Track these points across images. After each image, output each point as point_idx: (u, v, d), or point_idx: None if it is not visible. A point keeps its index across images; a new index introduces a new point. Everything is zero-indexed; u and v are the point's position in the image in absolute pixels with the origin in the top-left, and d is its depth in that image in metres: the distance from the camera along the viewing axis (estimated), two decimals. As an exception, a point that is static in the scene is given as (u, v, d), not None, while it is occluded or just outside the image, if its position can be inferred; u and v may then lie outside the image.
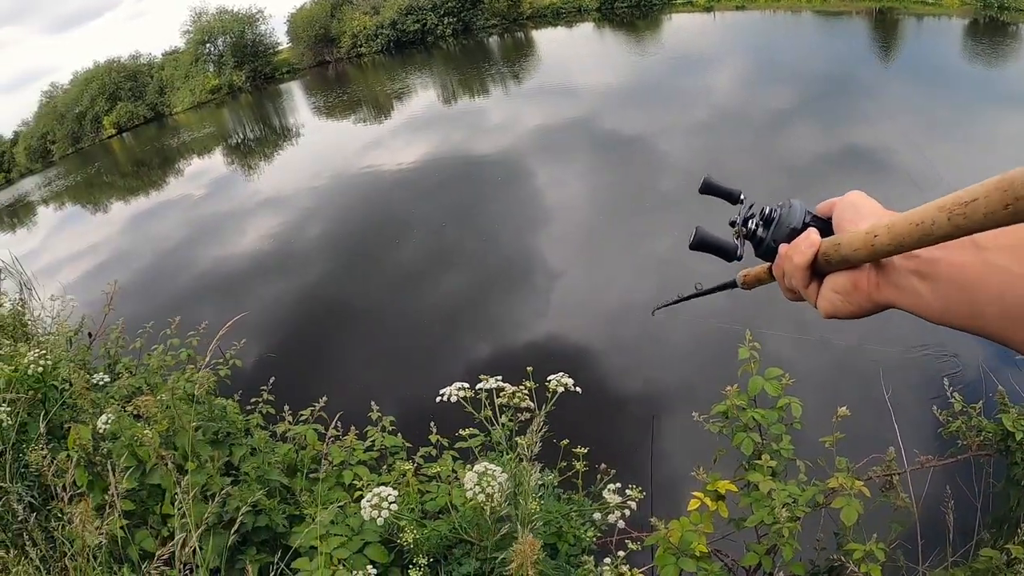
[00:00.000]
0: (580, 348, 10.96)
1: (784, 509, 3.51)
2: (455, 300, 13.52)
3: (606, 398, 9.12)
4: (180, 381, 3.89)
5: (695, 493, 3.69)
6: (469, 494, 2.72)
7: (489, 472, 2.71)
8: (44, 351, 4.21)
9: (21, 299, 8.11)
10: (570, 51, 47.95)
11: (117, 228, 27.23)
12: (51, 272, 19.26)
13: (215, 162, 36.77)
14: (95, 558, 3.05)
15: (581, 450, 3.64)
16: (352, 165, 25.85)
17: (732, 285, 1.74)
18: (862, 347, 9.89)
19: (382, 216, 19.28)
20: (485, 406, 3.25)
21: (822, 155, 18.46)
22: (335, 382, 10.59)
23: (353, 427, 4.43)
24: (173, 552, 2.90)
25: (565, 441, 3.71)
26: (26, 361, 4.06)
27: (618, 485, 3.47)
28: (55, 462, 3.49)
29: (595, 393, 8.89)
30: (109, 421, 3.63)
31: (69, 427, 3.83)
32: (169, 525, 3.41)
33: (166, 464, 3.37)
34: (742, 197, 1.54)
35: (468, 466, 3.35)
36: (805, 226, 1.22)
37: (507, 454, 3.16)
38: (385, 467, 4.23)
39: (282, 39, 68.82)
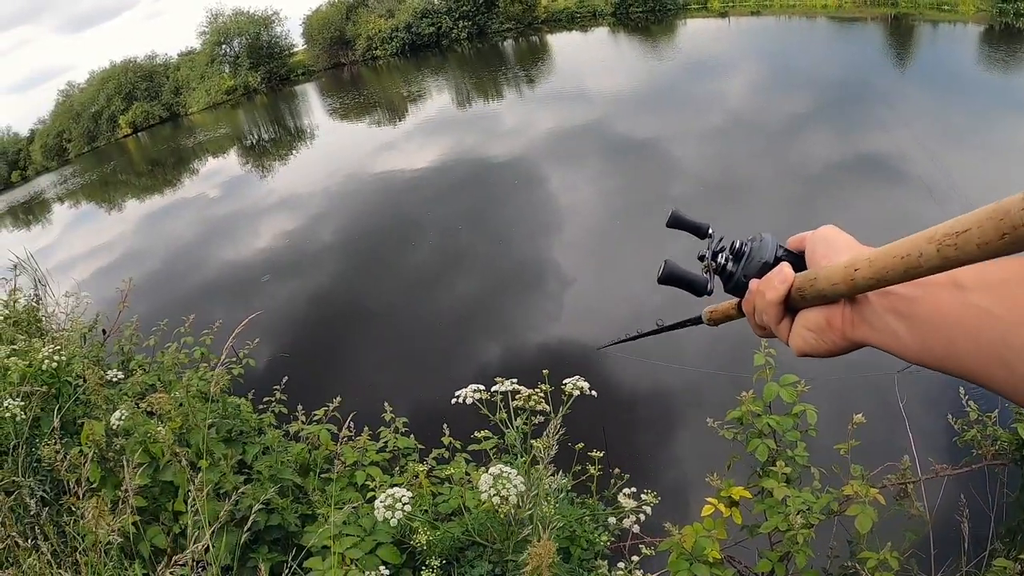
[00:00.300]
0: (593, 352, 10.94)
1: (798, 516, 3.49)
2: (468, 303, 13.53)
3: (619, 402, 9.10)
4: (194, 379, 3.89)
5: (709, 499, 3.68)
6: (484, 496, 2.71)
7: (505, 475, 2.70)
8: (58, 347, 4.22)
9: (36, 295, 8.13)
10: (584, 56, 47.96)
11: (131, 227, 27.36)
12: (66, 269, 19.36)
13: (230, 162, 36.92)
14: (107, 554, 3.05)
15: (597, 454, 3.62)
16: (366, 167, 25.91)
17: (697, 321, 1.68)
18: (876, 354, 9.81)
19: (396, 218, 19.30)
20: (500, 408, 3.24)
21: (836, 162, 18.38)
22: (348, 383, 10.59)
23: (367, 427, 4.42)
24: (185, 550, 2.90)
25: (580, 444, 3.70)
26: (40, 356, 4.08)
27: (633, 489, 3.46)
28: (68, 457, 3.49)
29: (607, 397, 8.87)
30: (123, 417, 3.63)
31: (82, 423, 3.83)
32: (181, 522, 3.41)
33: (179, 461, 3.37)
34: (711, 231, 1.50)
35: (482, 468, 3.34)
36: (777, 260, 1.19)
37: (521, 457, 3.15)
38: (397, 468, 4.23)
39: (297, 41, 69.26)
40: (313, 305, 14.50)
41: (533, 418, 3.31)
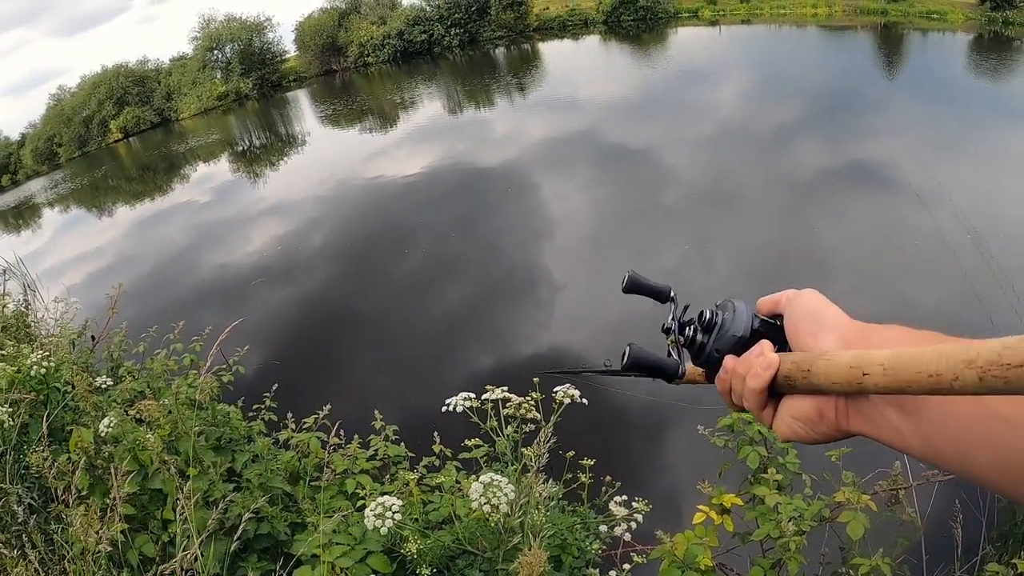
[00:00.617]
0: (584, 359, 10.93)
1: (790, 523, 3.49)
2: (460, 310, 13.52)
3: (610, 410, 9.09)
4: (183, 386, 3.87)
5: (700, 506, 3.67)
6: (474, 505, 2.70)
7: (495, 483, 2.69)
8: (47, 353, 4.20)
9: (25, 300, 8.11)
10: (576, 63, 48.09)
11: (122, 232, 27.29)
12: (55, 274, 19.28)
13: (221, 168, 36.88)
14: (95, 562, 3.03)
15: (587, 462, 3.62)
16: (358, 174, 25.90)
17: (659, 375, 1.42)
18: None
19: (387, 225, 19.29)
20: (491, 416, 3.23)
21: (827, 170, 18.46)
22: (339, 390, 10.57)
23: (357, 435, 4.41)
24: (173, 558, 2.88)
25: (571, 452, 3.69)
26: (29, 363, 4.05)
27: (624, 497, 3.45)
28: (56, 464, 3.46)
29: (598, 405, 8.87)
30: (111, 424, 3.61)
31: (71, 429, 3.81)
32: (170, 530, 3.39)
33: (168, 469, 3.35)
34: (672, 294, 1.40)
35: (473, 476, 3.33)
36: (754, 333, 1.12)
37: (512, 465, 3.14)
38: (388, 476, 4.21)
39: (289, 47, 69.22)
40: (304, 312, 14.47)
41: (524, 426, 3.30)
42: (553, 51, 55.57)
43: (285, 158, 36.09)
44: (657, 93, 32.55)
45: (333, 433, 4.03)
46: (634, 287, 1.46)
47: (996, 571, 3.84)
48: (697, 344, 1.20)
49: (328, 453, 4.03)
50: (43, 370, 4.06)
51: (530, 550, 2.36)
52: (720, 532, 3.58)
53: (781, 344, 1.09)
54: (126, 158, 54.22)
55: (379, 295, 14.70)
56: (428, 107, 39.61)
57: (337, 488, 3.93)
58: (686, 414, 8.70)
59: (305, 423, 4.41)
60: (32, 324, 6.77)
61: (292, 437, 4.31)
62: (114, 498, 3.08)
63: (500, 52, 58.30)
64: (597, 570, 3.26)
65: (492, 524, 2.82)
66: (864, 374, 0.84)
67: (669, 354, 1.27)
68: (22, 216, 41.21)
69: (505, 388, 3.34)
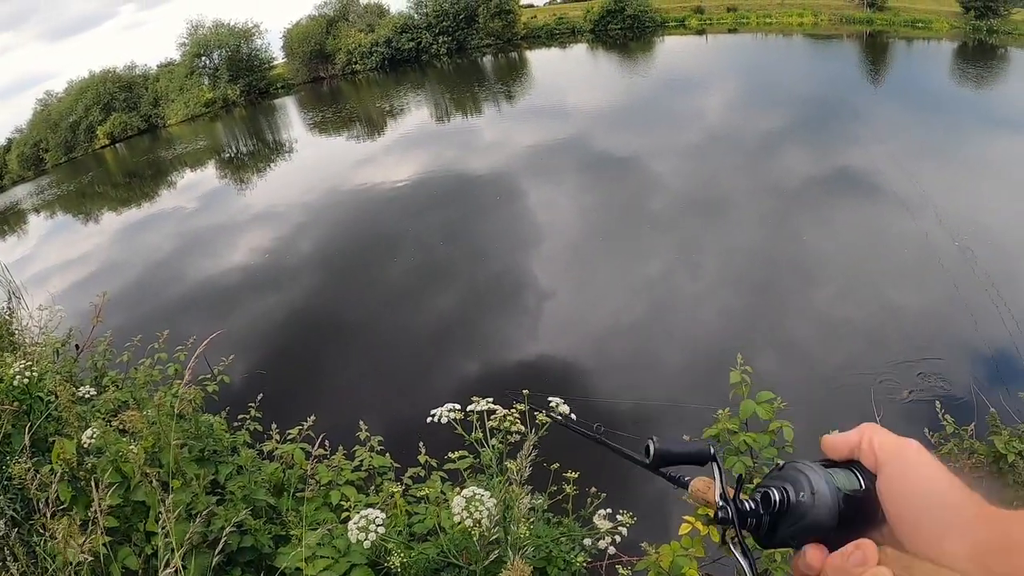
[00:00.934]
0: (571, 367, 10.94)
1: (776, 534, 3.48)
2: (447, 318, 13.50)
3: (596, 418, 9.07)
4: (167, 397, 3.85)
5: (686, 517, 3.66)
6: (457, 519, 2.69)
7: (477, 497, 2.68)
8: (30, 362, 4.17)
9: (9, 308, 8.06)
10: (563, 71, 48.21)
11: (108, 239, 27.14)
12: (40, 281, 19.19)
13: (208, 175, 36.74)
14: (77, 575, 3.01)
15: (572, 474, 3.61)
16: (345, 181, 25.87)
17: (674, 481, 1.27)
18: (855, 368, 9.92)
19: (374, 233, 19.27)
20: (476, 428, 3.22)
21: (814, 178, 18.54)
22: (325, 399, 10.53)
23: (341, 447, 4.39)
24: (157, 572, 2.86)
25: (556, 464, 3.68)
26: (12, 372, 4.02)
27: (609, 511, 3.44)
28: (39, 476, 3.44)
29: (585, 413, 8.85)
30: (94, 436, 3.58)
31: (54, 440, 3.78)
32: (153, 543, 3.37)
33: (150, 481, 3.32)
34: (713, 451, 1.14)
35: (457, 488, 3.31)
36: (842, 520, 0.91)
37: (496, 477, 3.13)
38: (373, 488, 4.19)
39: (277, 54, 69.04)
40: (291, 320, 14.42)
41: (509, 437, 3.29)
42: (541, 59, 55.71)
43: (272, 165, 36.01)
44: (644, 101, 32.67)
45: (318, 444, 4.01)
46: (665, 460, 1.18)
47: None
48: (765, 527, 1.00)
49: (312, 464, 4.00)
50: (26, 380, 4.03)
51: (512, 564, 2.35)
52: (706, 543, 3.57)
53: (871, 514, 0.91)
54: (113, 164, 53.97)
55: (366, 303, 14.67)
56: (416, 115, 39.63)
57: (322, 500, 3.91)
58: (672, 423, 8.73)
59: (289, 434, 4.39)
60: (16, 332, 6.72)
61: (276, 448, 4.28)
62: (96, 510, 3.06)
63: (488, 60, 58.46)
64: (583, 582, 3.25)
65: (475, 537, 2.80)
66: None
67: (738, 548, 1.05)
68: (7, 222, 40.93)
69: (491, 400, 3.33)
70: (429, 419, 3.17)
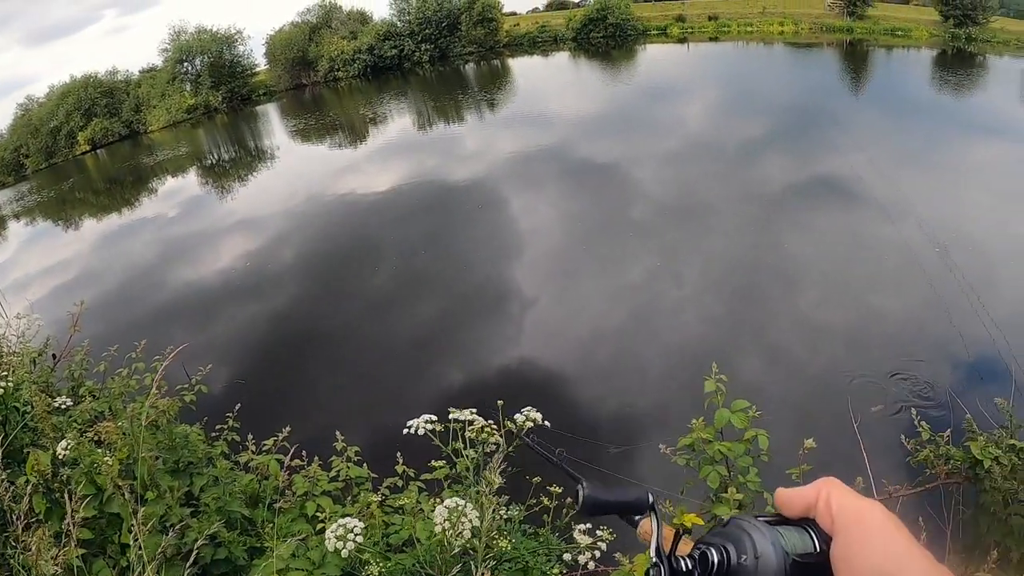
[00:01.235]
0: (552, 375, 10.96)
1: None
2: (428, 327, 13.49)
3: (577, 425, 9.10)
4: (142, 408, 3.83)
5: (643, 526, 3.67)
6: (438, 529, 2.70)
7: (459, 508, 2.69)
8: (6, 372, 4.15)
9: (-14, 317, 8.00)
10: (545, 79, 48.28)
11: (88, 246, 26.96)
12: (19, 289, 19.06)
13: (189, 182, 36.56)
14: (50, 588, 3.00)
15: (556, 489, 3.63)
16: (327, 189, 25.82)
17: (627, 515, 1.25)
18: (835, 374, 9.99)
19: (356, 241, 19.24)
20: (453, 438, 3.22)
21: (794, 185, 18.67)
22: (304, 409, 10.50)
23: (317, 457, 4.39)
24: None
25: (537, 478, 3.69)
26: (-11, 382, 4.01)
27: (588, 525, 3.45)
28: (13, 487, 3.43)
29: (566, 420, 8.90)
30: (69, 447, 3.57)
31: (29, 451, 3.76)
32: (128, 555, 3.36)
33: (123, 493, 3.32)
34: (652, 500, 1.10)
35: (436, 499, 3.32)
36: None
37: (473, 487, 3.14)
38: (350, 498, 4.19)
39: (260, 61, 68.75)
40: (271, 329, 14.37)
41: (485, 447, 3.30)
42: (523, 67, 55.79)
43: (254, 173, 35.89)
44: (626, 109, 32.76)
45: (294, 455, 4.00)
46: (595, 508, 1.11)
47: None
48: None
49: (288, 475, 4.00)
50: (1, 390, 4.01)
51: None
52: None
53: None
54: (93, 170, 53.62)
55: (347, 312, 14.65)
56: (398, 122, 39.60)
57: (298, 511, 3.90)
58: (648, 432, 8.75)
59: (265, 445, 4.38)
60: (-7, 341, 6.67)
61: (252, 459, 4.27)
62: (70, 522, 3.05)
63: (470, 68, 58.52)
64: (559, 593, 3.26)
65: (451, 548, 2.81)
66: None
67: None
68: (-14, 228, 40.68)
69: (474, 410, 3.33)
70: (405, 431, 3.17)
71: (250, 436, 4.50)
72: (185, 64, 65.23)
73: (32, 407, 4.11)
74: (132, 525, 3.04)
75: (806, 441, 3.93)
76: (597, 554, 3.37)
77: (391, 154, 30.76)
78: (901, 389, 9.58)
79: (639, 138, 26.17)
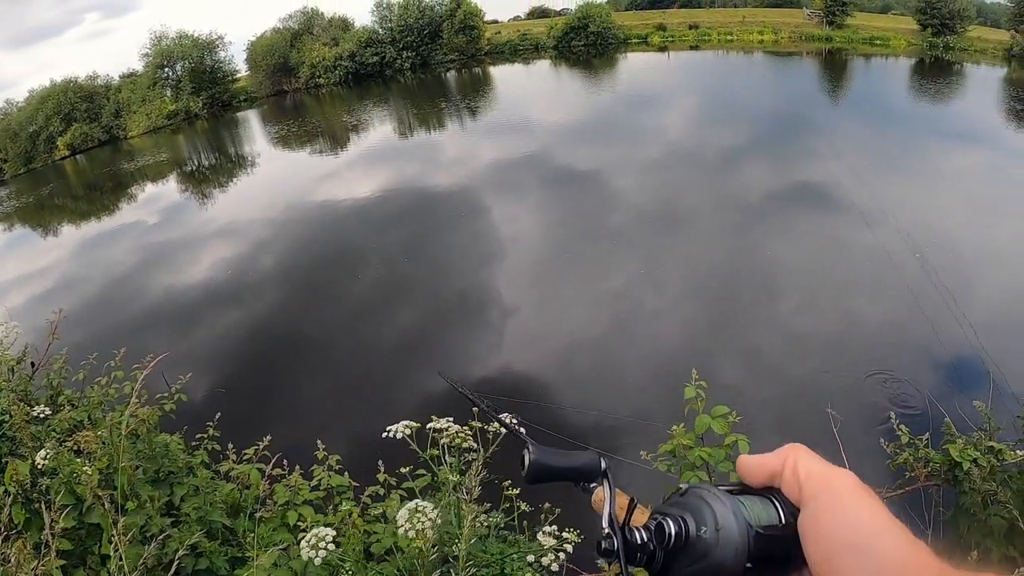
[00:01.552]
0: (534, 381, 10.97)
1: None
2: (409, 334, 13.49)
3: (559, 429, 9.11)
4: (122, 416, 3.82)
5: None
6: (400, 531, 2.70)
7: (420, 509, 2.70)
8: (-17, 381, 4.13)
9: (-36, 325, 7.95)
10: (527, 87, 48.40)
11: (67, 252, 26.76)
12: (-4, 296, 18.94)
13: (169, 188, 36.34)
14: (29, 599, 2.99)
15: (517, 494, 3.63)
16: (308, 196, 25.74)
17: (579, 483, 1.05)
18: (815, 378, 10.06)
19: (337, 248, 19.21)
20: (429, 446, 3.23)
21: (774, 192, 18.80)
22: (286, 418, 10.46)
23: (298, 466, 4.38)
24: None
25: (517, 491, 3.69)
26: (-35, 392, 3.98)
27: (554, 528, 3.45)
28: (-8, 497, 3.41)
29: (548, 425, 8.90)
30: (48, 456, 3.56)
31: (7, 461, 3.74)
32: (108, 566, 3.34)
33: (103, 504, 3.30)
34: (604, 467, 0.98)
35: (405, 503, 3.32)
36: (752, 560, 0.78)
37: (451, 495, 3.14)
38: (331, 507, 4.18)
39: (241, 67, 68.50)
40: (252, 337, 14.32)
41: (464, 455, 3.30)
42: (504, 75, 55.89)
43: (235, 179, 35.75)
44: (607, 117, 32.90)
45: (274, 464, 3.99)
46: (541, 475, 0.98)
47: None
48: (658, 564, 0.86)
49: (268, 484, 3.99)
50: (-21, 399, 3.99)
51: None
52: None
53: (790, 556, 0.79)
54: (73, 176, 53.27)
55: (329, 319, 14.61)
56: (379, 130, 39.57)
57: (279, 520, 3.89)
58: (629, 438, 8.77)
59: (245, 454, 4.37)
60: (-30, 350, 6.63)
61: (232, 469, 4.26)
62: (48, 533, 3.04)
63: (451, 75, 58.59)
64: (536, 600, 3.27)
65: (424, 552, 2.82)
66: None
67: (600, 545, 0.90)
68: (-36, 235, 40.36)
69: (451, 418, 3.34)
70: (385, 434, 3.16)
71: (231, 445, 4.49)
72: (166, 69, 64.85)
73: (10, 416, 4.09)
74: (112, 536, 3.03)
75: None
76: (562, 556, 3.37)
77: (372, 161, 30.72)
78: (880, 393, 9.66)
79: (620, 146, 26.26)
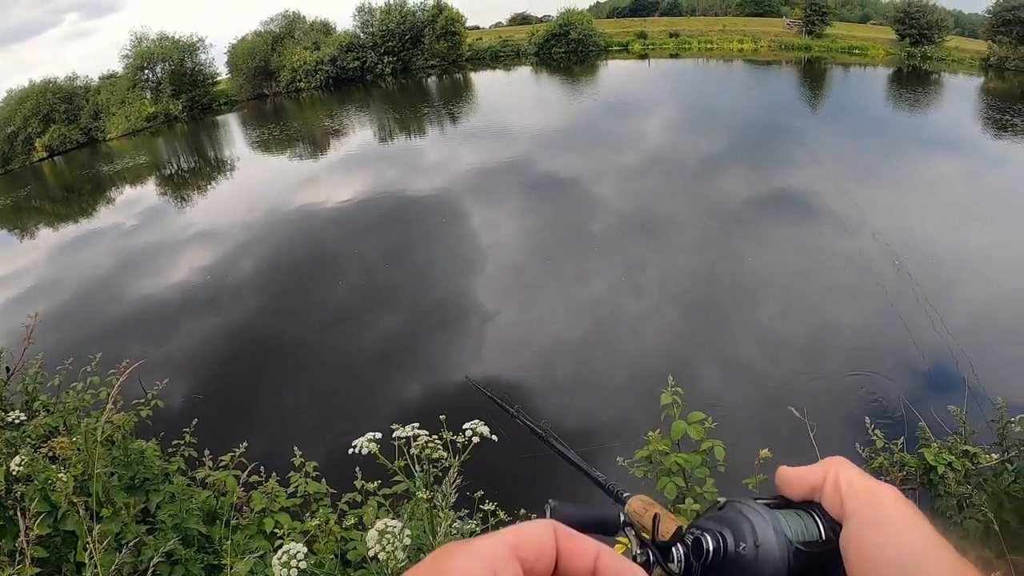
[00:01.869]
0: (514, 387, 10.97)
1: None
2: (389, 340, 13.46)
3: (525, 440, 9.09)
4: (98, 422, 3.80)
5: (620, 539, 3.70)
6: (371, 553, 2.70)
7: (389, 530, 2.69)
8: (-42, 387, 4.10)
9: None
10: (507, 93, 48.46)
11: (44, 255, 26.51)
12: (-30, 300, 18.78)
13: (148, 192, 36.07)
14: (3, 607, 2.97)
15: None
16: (287, 201, 25.62)
17: (611, 494, 1.13)
18: (793, 383, 10.12)
19: (316, 253, 19.13)
20: (401, 455, 3.22)
21: (753, 199, 18.90)
22: (264, 424, 10.40)
23: (275, 473, 4.37)
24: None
25: (491, 501, 3.70)
26: (-61, 398, 3.95)
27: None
28: (-35, 504, 3.39)
29: (514, 435, 8.87)
30: (23, 463, 3.53)
31: (-19, 468, 3.71)
32: (83, 574, 3.33)
33: (78, 511, 3.28)
34: (623, 518, 0.90)
35: (384, 510, 3.31)
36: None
37: (426, 503, 3.14)
38: (308, 514, 4.17)
39: (221, 69, 68.20)
40: (230, 343, 14.24)
41: (436, 465, 3.30)
42: (485, 81, 55.95)
43: (214, 183, 35.52)
44: (587, 124, 32.99)
45: (251, 471, 3.98)
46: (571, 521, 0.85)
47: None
48: (680, 562, 0.83)
49: (244, 491, 3.98)
50: (-48, 405, 3.97)
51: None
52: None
53: (831, 572, 0.76)
54: (51, 178, 52.85)
55: (308, 325, 14.55)
56: (360, 134, 39.48)
57: (256, 527, 3.88)
58: (606, 443, 8.78)
59: (222, 461, 4.35)
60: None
61: (209, 475, 4.25)
62: (22, 541, 3.02)
63: (432, 81, 58.59)
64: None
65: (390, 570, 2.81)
66: None
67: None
68: (-61, 237, 39.96)
69: (416, 425, 3.32)
70: (351, 451, 3.12)
71: (207, 452, 4.47)
72: (146, 71, 64.39)
73: (-15, 422, 4.06)
74: (87, 543, 3.02)
75: (761, 451, 3.98)
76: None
77: (353, 166, 30.65)
78: (857, 397, 9.74)
79: (601, 153, 26.34)
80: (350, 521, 3.90)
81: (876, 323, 11.97)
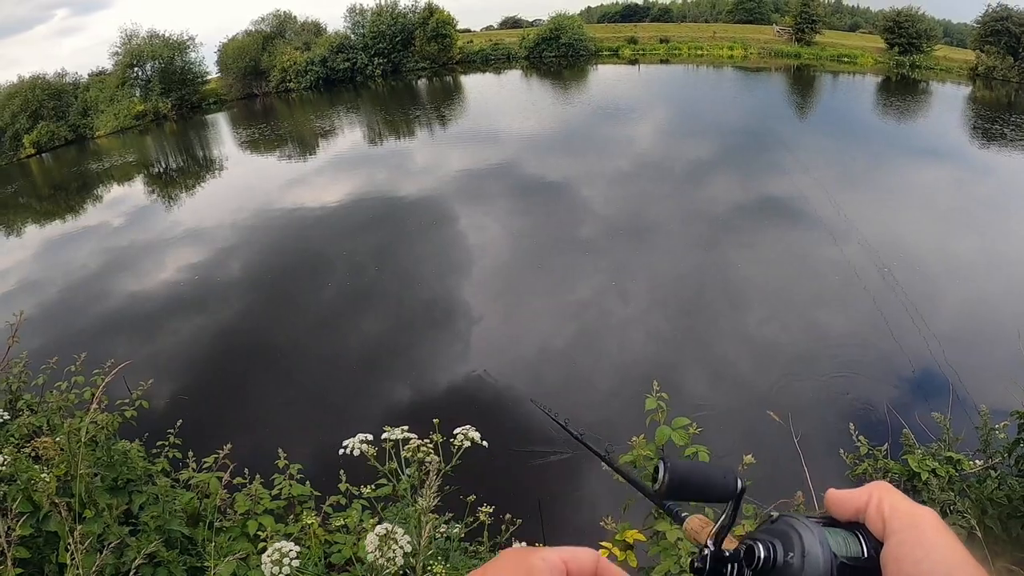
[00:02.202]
0: (500, 391, 10.97)
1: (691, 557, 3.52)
2: (377, 343, 13.43)
3: (512, 447, 9.10)
4: (82, 423, 3.78)
5: (603, 543, 3.71)
6: (370, 558, 2.68)
7: (391, 534, 2.68)
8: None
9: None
10: (497, 97, 48.45)
11: (30, 253, 26.37)
12: (-45, 298, 18.67)
13: (135, 190, 35.89)
14: (-17, 608, 2.95)
15: (512, 514, 3.63)
16: (276, 201, 25.55)
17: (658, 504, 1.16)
18: (775, 391, 10.14)
19: (304, 255, 19.08)
20: (389, 457, 3.21)
21: (742, 205, 18.95)
22: (249, 426, 10.36)
23: (259, 475, 4.35)
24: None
25: (477, 502, 3.70)
26: (-78, 397, 3.93)
27: (524, 543, 3.45)
28: (-53, 505, 3.36)
29: (501, 442, 8.90)
30: (5, 462, 3.51)
31: (-37, 467, 3.69)
32: (65, 575, 3.31)
33: (60, 511, 3.27)
34: (740, 486, 0.94)
35: (373, 520, 3.30)
36: None
37: (411, 506, 3.13)
38: (292, 517, 4.16)
39: (211, 68, 67.95)
40: (216, 344, 14.17)
41: (424, 467, 3.29)
42: (475, 84, 55.96)
43: (202, 183, 35.36)
44: (577, 128, 33.02)
45: (235, 472, 3.97)
46: (680, 490, 0.92)
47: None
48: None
49: (228, 493, 3.96)
50: (-65, 403, 3.94)
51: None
52: (624, 568, 3.59)
53: None
54: (39, 175, 52.61)
55: (295, 327, 14.51)
56: (349, 136, 39.44)
57: (239, 530, 3.87)
58: (594, 446, 8.78)
59: (206, 462, 4.34)
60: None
61: (192, 477, 4.23)
62: (5, 541, 3.00)
63: (422, 83, 58.60)
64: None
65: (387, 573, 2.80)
66: None
67: None
68: (-76, 233, 39.70)
69: (406, 428, 3.32)
70: (341, 451, 3.13)
71: (191, 453, 4.45)
72: (135, 69, 64.04)
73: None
74: (69, 544, 3.00)
75: (746, 457, 3.99)
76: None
77: (342, 168, 30.60)
78: (842, 403, 9.78)
79: (590, 157, 26.38)
80: (337, 523, 3.89)
81: (863, 330, 12.04)
